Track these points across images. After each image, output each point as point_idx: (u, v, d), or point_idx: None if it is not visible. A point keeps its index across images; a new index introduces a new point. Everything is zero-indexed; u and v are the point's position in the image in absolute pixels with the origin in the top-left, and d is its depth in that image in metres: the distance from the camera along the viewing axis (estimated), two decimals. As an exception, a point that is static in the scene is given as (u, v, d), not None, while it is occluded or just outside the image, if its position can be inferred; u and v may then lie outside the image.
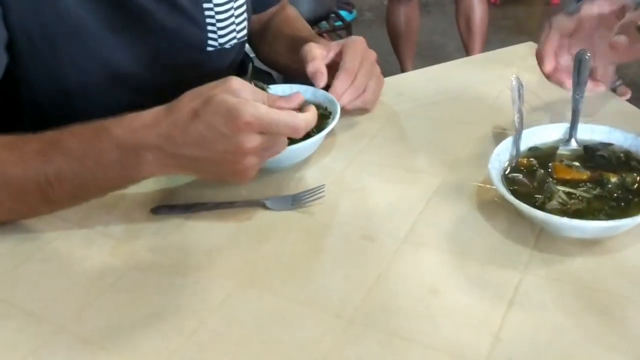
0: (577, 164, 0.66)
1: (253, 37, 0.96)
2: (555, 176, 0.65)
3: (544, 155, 0.69)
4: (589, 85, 0.74)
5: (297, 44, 0.89)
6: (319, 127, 0.76)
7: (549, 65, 0.75)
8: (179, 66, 0.78)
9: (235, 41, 0.86)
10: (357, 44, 0.82)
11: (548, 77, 0.77)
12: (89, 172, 0.61)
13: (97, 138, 0.61)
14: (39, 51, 0.73)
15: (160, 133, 0.59)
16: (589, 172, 0.65)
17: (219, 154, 0.59)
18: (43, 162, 0.61)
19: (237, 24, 0.85)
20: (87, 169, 0.61)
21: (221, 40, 0.84)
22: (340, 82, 0.79)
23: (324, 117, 0.78)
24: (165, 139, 0.59)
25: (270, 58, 1.00)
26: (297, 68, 0.84)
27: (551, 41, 0.75)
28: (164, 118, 0.60)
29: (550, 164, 0.67)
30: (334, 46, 0.83)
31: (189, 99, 0.60)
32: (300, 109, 0.64)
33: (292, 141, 0.73)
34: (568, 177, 0.65)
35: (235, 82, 0.60)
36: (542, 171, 0.66)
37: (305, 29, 0.98)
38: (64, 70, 0.75)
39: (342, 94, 0.79)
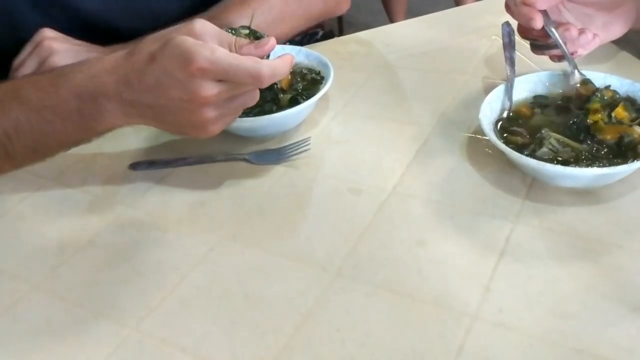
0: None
1: None
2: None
3: (540, 103, 0.67)
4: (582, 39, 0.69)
5: None
6: (310, 92, 0.71)
7: (539, 20, 0.65)
8: (156, 12, 0.74)
9: None
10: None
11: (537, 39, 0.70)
12: (48, 124, 0.58)
13: (55, 86, 0.57)
14: None
15: (119, 79, 0.56)
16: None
17: (175, 102, 0.55)
18: (0, 115, 0.58)
19: None
20: (45, 120, 0.58)
21: None
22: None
23: (316, 82, 0.74)
24: (124, 85, 0.55)
25: None
26: None
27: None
28: (123, 63, 0.56)
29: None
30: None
31: (149, 42, 0.56)
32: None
33: (278, 108, 0.69)
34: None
35: (199, 24, 0.55)
36: (538, 118, 0.64)
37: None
38: (26, 16, 0.71)
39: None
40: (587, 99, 0.63)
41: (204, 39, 0.55)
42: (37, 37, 0.70)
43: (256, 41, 0.57)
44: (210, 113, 0.55)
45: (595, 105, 0.61)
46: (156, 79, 0.54)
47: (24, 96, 0.58)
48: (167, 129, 0.61)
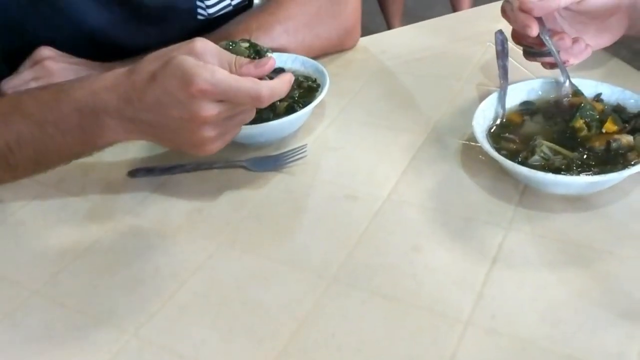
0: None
1: None
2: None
3: (533, 110, 0.68)
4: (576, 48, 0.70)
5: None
6: (306, 100, 0.72)
7: (535, 28, 0.65)
8: (167, 32, 0.73)
9: (230, 8, 0.81)
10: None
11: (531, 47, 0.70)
12: (49, 138, 0.59)
13: (57, 101, 0.58)
14: (3, 5, 0.70)
15: (120, 97, 0.56)
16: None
17: (174, 121, 0.55)
18: (3, 127, 0.59)
19: None
20: (47, 134, 0.58)
21: (210, 10, 0.79)
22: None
23: (312, 89, 0.75)
24: (124, 102, 0.56)
25: None
26: None
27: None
28: (124, 80, 0.56)
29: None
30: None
31: (150, 61, 0.56)
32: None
33: (275, 116, 0.69)
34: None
35: (200, 43, 0.56)
36: (530, 126, 0.65)
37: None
38: (34, 28, 0.72)
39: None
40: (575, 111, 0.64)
41: (204, 58, 0.55)
42: (36, 56, 0.71)
43: (256, 61, 0.58)
44: (209, 132, 0.56)
45: (579, 123, 0.62)
46: (156, 98, 0.55)
47: (26, 110, 0.59)
48: (167, 145, 0.62)
